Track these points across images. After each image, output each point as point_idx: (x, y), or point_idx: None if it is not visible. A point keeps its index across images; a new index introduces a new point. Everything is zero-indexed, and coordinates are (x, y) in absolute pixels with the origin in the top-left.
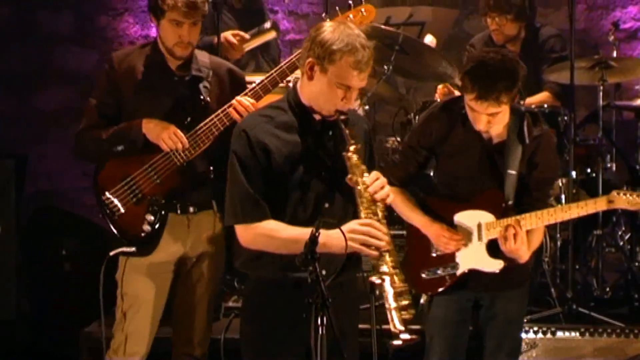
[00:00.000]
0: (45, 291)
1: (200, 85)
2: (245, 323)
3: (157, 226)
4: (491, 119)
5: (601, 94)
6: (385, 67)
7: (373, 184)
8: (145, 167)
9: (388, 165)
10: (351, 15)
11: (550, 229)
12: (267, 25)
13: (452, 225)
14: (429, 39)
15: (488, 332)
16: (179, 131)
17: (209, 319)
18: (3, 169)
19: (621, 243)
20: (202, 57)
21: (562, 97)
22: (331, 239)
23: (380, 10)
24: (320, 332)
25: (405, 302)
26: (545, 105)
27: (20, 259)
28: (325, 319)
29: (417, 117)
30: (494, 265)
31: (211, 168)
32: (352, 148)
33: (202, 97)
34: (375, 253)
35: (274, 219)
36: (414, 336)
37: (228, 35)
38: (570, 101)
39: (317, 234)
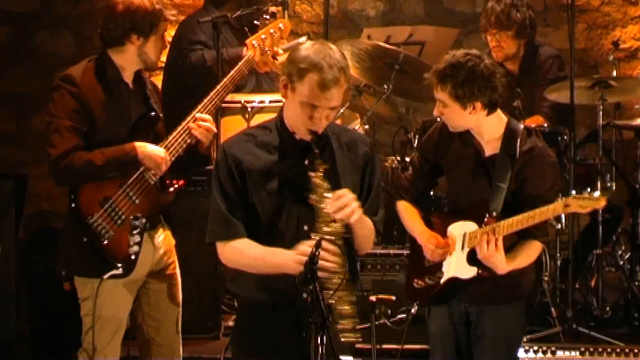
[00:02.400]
0: (45, 311)
1: (151, 101)
2: (232, 343)
3: (140, 246)
4: (442, 109)
5: (601, 113)
6: (385, 86)
7: (332, 203)
8: (124, 188)
9: (400, 180)
10: (272, 30)
11: (550, 248)
12: (303, 39)
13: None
14: None
15: (476, 352)
16: (164, 151)
17: (177, 332)
18: (3, 189)
19: (621, 262)
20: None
21: (555, 121)
22: (287, 259)
23: (380, 29)
24: (320, 351)
25: (348, 326)
26: (546, 125)
27: (20, 279)
28: (325, 338)
29: (416, 137)
30: (469, 272)
31: (179, 182)
32: (320, 169)
33: (153, 113)
34: (322, 275)
35: (255, 238)
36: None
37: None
38: (570, 121)
39: (317, 252)
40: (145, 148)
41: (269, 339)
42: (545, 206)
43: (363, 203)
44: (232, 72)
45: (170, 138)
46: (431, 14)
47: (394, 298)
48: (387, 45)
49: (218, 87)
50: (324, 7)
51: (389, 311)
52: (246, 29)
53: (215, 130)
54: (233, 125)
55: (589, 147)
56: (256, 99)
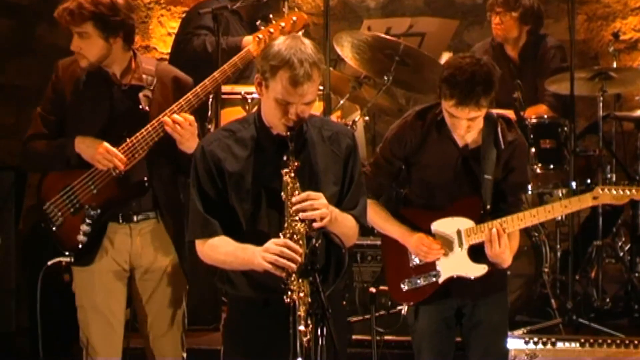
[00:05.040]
0: (44, 303)
1: (140, 94)
2: (223, 339)
3: (92, 236)
4: (471, 124)
5: (601, 104)
6: (385, 78)
7: (298, 203)
8: (84, 177)
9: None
10: (282, 24)
11: (551, 239)
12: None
13: (429, 235)
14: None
15: (472, 342)
16: (111, 148)
17: (175, 331)
18: (3, 182)
19: (621, 254)
20: (148, 63)
21: (559, 110)
22: (253, 255)
23: (380, 21)
24: (320, 343)
25: (305, 329)
26: (545, 116)
27: (20, 271)
28: (325, 329)
29: None
30: (478, 270)
31: (145, 178)
32: (291, 166)
33: (140, 107)
34: (280, 273)
35: (232, 234)
36: None
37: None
38: (571, 112)
39: (316, 245)
40: (83, 140)
41: (260, 335)
42: (567, 199)
43: (344, 196)
44: (223, 66)
45: (142, 131)
46: (431, 6)
47: None
48: (387, 37)
49: (205, 81)
50: None
51: (389, 302)
52: (258, 22)
53: (190, 128)
54: (234, 116)
55: (589, 138)
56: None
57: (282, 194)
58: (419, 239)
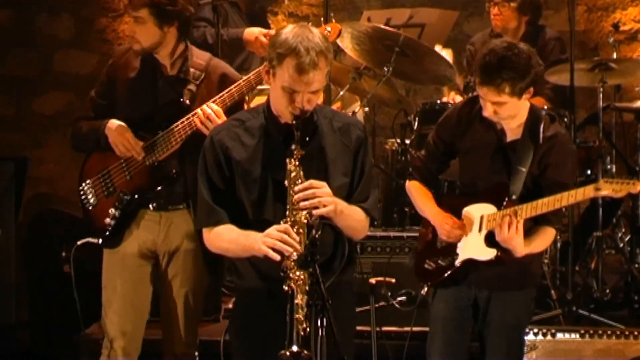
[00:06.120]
0: (45, 294)
1: (185, 88)
2: (229, 330)
3: (121, 220)
4: (497, 109)
5: (601, 95)
6: (385, 69)
7: (300, 192)
8: (121, 161)
9: (412, 159)
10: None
11: None
12: None
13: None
14: (444, 53)
15: (486, 337)
16: (133, 138)
17: (190, 317)
18: (3, 173)
19: (621, 245)
20: (200, 58)
21: (557, 102)
22: (254, 240)
23: (380, 12)
24: (320, 334)
25: (301, 317)
26: (545, 107)
27: (20, 262)
28: (325, 320)
29: (416, 119)
30: (488, 254)
31: (174, 170)
32: (295, 153)
33: (181, 99)
34: (277, 257)
35: (238, 224)
36: (305, 352)
37: (259, 34)
38: (571, 103)
39: (316, 236)
40: (113, 123)
41: (265, 327)
42: (574, 189)
43: (355, 189)
44: (258, 68)
45: (177, 123)
46: None
47: (394, 280)
48: (387, 28)
49: (240, 81)
50: None
51: (389, 294)
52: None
53: (219, 121)
54: None
55: (589, 129)
56: None
57: (285, 181)
58: (444, 218)
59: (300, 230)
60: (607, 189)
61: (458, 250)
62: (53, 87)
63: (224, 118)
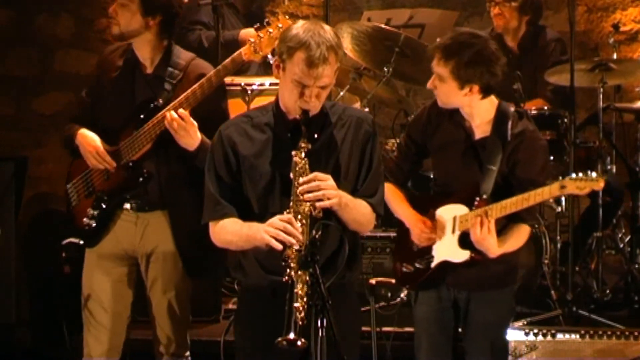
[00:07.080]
0: (45, 294)
1: (162, 86)
2: (234, 329)
3: (99, 220)
4: (437, 83)
5: (601, 96)
6: (385, 69)
7: (304, 184)
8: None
9: (385, 160)
10: (270, 30)
11: (551, 231)
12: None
13: (433, 220)
14: None
15: (468, 337)
16: (101, 150)
17: (177, 320)
18: (3, 172)
19: (621, 245)
20: (182, 58)
21: (557, 104)
22: (257, 230)
23: (380, 12)
24: (320, 334)
25: (299, 306)
26: (545, 108)
27: (20, 262)
28: (325, 321)
29: None
30: (462, 256)
31: (145, 170)
32: (302, 146)
33: (154, 101)
34: (279, 246)
35: (245, 217)
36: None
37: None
38: (571, 103)
39: (316, 236)
40: (83, 135)
41: (269, 325)
42: (541, 188)
43: (362, 183)
44: (217, 67)
45: (148, 123)
46: None
47: (394, 281)
48: (387, 28)
49: (202, 80)
50: None
51: (389, 294)
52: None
53: (183, 124)
54: (234, 108)
55: (589, 129)
56: (256, 81)
57: (291, 174)
58: (417, 222)
59: (304, 221)
60: (572, 187)
61: (433, 253)
62: (53, 87)
63: (192, 121)
